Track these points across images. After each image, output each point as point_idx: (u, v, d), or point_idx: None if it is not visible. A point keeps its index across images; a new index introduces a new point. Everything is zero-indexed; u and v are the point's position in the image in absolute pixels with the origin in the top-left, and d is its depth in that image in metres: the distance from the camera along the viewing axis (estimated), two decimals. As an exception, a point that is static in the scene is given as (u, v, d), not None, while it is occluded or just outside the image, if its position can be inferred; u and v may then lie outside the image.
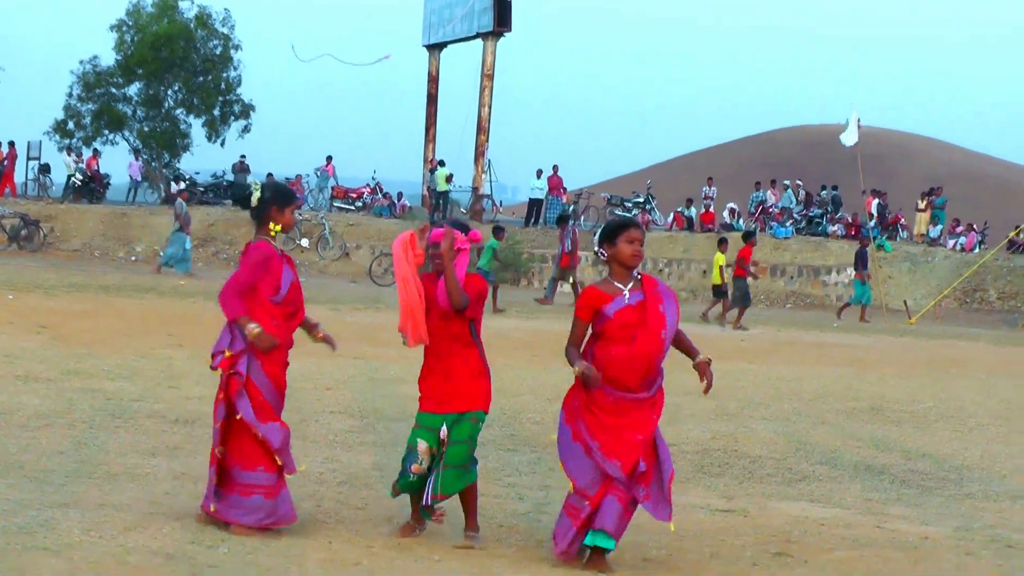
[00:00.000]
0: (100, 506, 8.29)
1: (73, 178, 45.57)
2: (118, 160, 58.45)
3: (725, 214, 46.26)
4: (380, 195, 47.53)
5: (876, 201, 45.84)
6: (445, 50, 50.26)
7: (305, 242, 41.21)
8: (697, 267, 41.92)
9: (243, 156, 48.52)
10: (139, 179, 48.47)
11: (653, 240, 41.16)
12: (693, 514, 9.44)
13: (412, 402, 8.45)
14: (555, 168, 46.33)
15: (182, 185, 43.51)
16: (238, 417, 7.90)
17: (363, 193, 47.37)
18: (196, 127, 51.05)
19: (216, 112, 50.68)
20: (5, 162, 45.55)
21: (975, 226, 45.36)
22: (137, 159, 48.72)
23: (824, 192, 47.84)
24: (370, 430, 11.91)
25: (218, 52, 50.74)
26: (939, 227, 44.84)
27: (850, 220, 45.23)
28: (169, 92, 50.67)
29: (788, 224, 44.67)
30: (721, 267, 30.41)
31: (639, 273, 7.85)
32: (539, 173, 46.27)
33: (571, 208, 46.82)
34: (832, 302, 40.77)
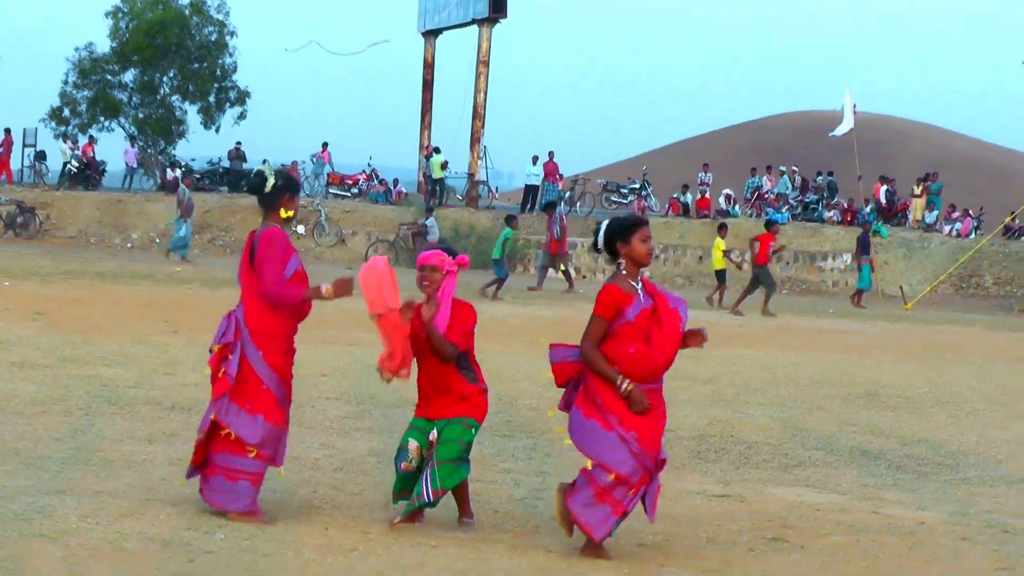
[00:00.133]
0: (96, 493, 8.29)
1: (69, 165, 45.48)
2: (114, 147, 58.52)
3: (721, 200, 46.25)
4: (376, 181, 47.47)
5: (885, 188, 45.85)
6: (441, 36, 50.16)
7: (301, 228, 41.19)
8: (693, 253, 41.92)
9: (239, 143, 48.44)
10: (135, 166, 48.37)
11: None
12: (689, 500, 9.46)
13: (407, 389, 8.45)
14: (551, 154, 46.27)
15: (178, 172, 43.49)
16: (212, 418, 7.91)
17: (359, 180, 47.31)
18: (192, 114, 51.01)
19: (212, 99, 50.58)
20: (1, 149, 45.44)
21: (971, 212, 45.36)
22: (133, 146, 48.63)
23: (820, 178, 47.83)
24: (366, 416, 11.92)
25: (213, 39, 50.62)
26: (935, 213, 44.84)
27: (846, 206, 45.24)
28: (164, 79, 50.54)
29: (784, 210, 44.67)
30: (723, 252, 30.52)
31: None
32: (535, 159, 46.20)
33: (567, 194, 46.82)
34: (828, 287, 40.80)
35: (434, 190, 45.53)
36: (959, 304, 38.66)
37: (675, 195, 46.95)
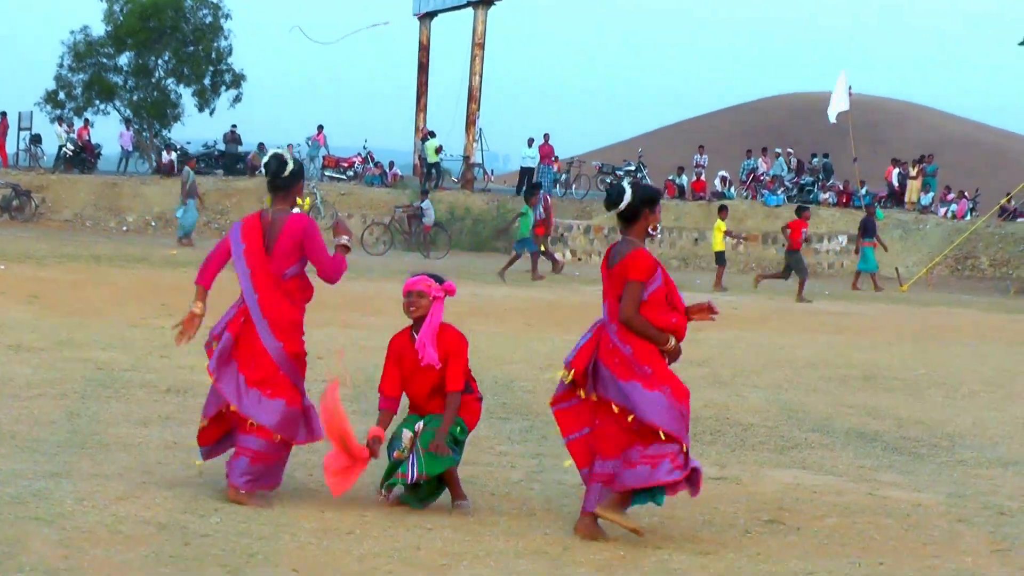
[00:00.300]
0: (92, 476, 8.29)
1: (64, 148, 45.45)
2: (109, 130, 58.39)
3: (716, 182, 46.25)
4: (371, 164, 47.45)
5: (897, 171, 45.81)
6: (436, 19, 50.10)
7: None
8: (688, 235, 41.91)
9: (234, 126, 48.35)
10: (130, 149, 48.37)
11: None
12: (685, 482, 9.45)
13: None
14: (546, 137, 46.25)
15: (173, 155, 43.47)
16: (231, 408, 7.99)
17: (354, 162, 47.29)
18: (187, 97, 50.95)
19: (207, 82, 50.53)
20: (-4, 133, 45.45)
21: (966, 193, 45.34)
22: (128, 129, 48.60)
23: (815, 160, 47.82)
24: (362, 399, 11.90)
25: (208, 21, 50.54)
26: (930, 194, 44.81)
27: (841, 188, 45.22)
28: (159, 62, 50.46)
29: (779, 192, 44.67)
30: (724, 233, 30.60)
31: None
32: (530, 142, 46.17)
33: (563, 176, 46.82)
34: (824, 269, 40.81)
35: (430, 173, 45.50)
36: (955, 286, 38.69)
37: (670, 177, 46.94)
